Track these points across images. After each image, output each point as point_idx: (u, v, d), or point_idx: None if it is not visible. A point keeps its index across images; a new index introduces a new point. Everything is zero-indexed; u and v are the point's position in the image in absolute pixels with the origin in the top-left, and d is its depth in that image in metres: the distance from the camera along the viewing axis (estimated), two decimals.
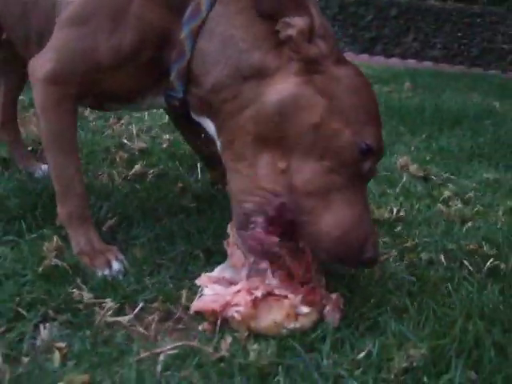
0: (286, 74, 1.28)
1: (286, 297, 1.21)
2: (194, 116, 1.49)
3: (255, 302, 1.19)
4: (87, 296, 1.32)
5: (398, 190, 2.28)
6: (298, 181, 1.24)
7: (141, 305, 1.31)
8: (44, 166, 2.18)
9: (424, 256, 1.66)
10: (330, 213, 1.24)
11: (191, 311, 1.26)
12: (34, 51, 1.58)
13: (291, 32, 1.27)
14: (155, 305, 1.32)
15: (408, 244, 1.72)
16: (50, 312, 1.28)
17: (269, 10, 1.30)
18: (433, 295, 1.43)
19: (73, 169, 1.53)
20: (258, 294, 1.19)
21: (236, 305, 1.19)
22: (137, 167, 2.21)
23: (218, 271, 1.34)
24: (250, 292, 1.20)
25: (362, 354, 1.14)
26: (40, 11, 1.62)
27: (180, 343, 1.16)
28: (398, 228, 1.86)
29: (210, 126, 1.44)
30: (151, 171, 2.19)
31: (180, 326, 1.27)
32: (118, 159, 2.34)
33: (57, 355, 1.12)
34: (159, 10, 1.40)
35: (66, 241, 1.53)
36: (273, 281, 1.25)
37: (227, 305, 1.20)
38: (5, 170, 2.15)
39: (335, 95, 1.27)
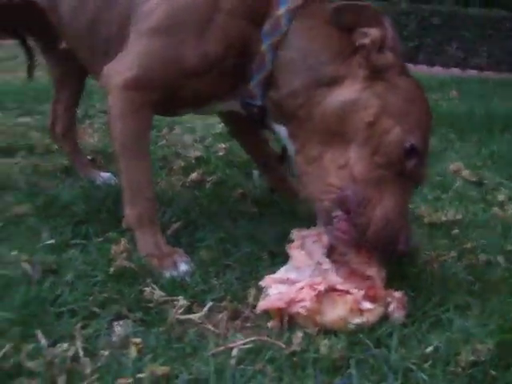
0: (352, 80, 1.41)
1: (348, 292, 1.24)
2: (270, 122, 1.58)
3: (319, 297, 1.21)
4: (158, 295, 1.36)
5: (451, 194, 2.27)
6: (355, 173, 1.36)
7: (209, 304, 1.34)
8: (104, 174, 2.25)
9: (482, 257, 1.66)
10: (379, 204, 1.35)
11: (257, 311, 1.29)
12: (100, 60, 1.64)
13: (366, 41, 1.39)
14: (223, 304, 1.35)
15: (466, 246, 1.72)
16: (123, 310, 1.32)
17: (347, 22, 1.41)
18: (494, 294, 1.44)
19: (145, 172, 1.58)
20: (321, 288, 1.22)
21: (301, 301, 1.22)
22: (194, 175, 2.25)
23: (281, 273, 1.37)
24: (313, 287, 1.23)
25: (430, 349, 1.16)
26: (112, 20, 1.68)
27: (252, 338, 1.19)
28: (455, 231, 1.86)
29: (283, 132, 1.55)
30: (209, 178, 2.23)
31: (249, 324, 1.30)
32: (175, 167, 2.38)
33: (133, 350, 1.16)
34: (241, 21, 1.51)
35: (132, 244, 1.57)
36: (335, 278, 1.28)
37: (292, 301, 1.23)
38: (68, 178, 2.22)
39: (391, 100, 1.39)
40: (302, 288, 1.26)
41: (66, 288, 1.41)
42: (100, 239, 1.67)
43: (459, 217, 1.96)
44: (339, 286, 1.25)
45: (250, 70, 1.52)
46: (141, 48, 1.53)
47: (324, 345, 1.14)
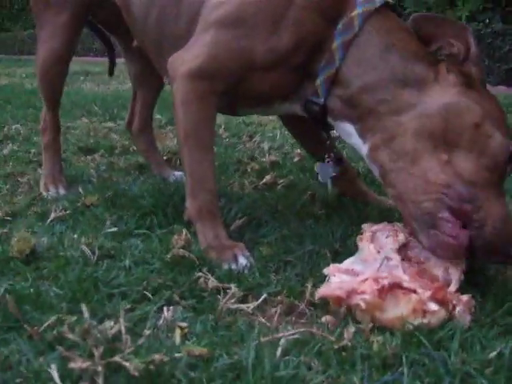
0: (445, 85, 1.38)
1: (414, 291, 1.14)
2: (331, 121, 1.53)
3: (382, 292, 1.12)
4: (212, 283, 1.31)
5: None
6: (463, 170, 1.29)
7: (264, 296, 1.28)
8: (177, 173, 2.25)
9: None
10: (492, 205, 1.28)
11: (316, 297, 1.21)
12: (168, 55, 1.62)
13: (455, 50, 1.38)
14: (279, 298, 1.28)
15: None
16: (175, 296, 1.28)
17: (429, 33, 1.42)
18: None
19: (208, 164, 1.55)
20: (385, 282, 1.13)
21: (362, 292, 1.13)
22: (267, 177, 2.21)
23: (347, 263, 1.29)
24: (376, 281, 1.14)
25: (493, 354, 1.04)
26: (181, 15, 1.67)
27: (302, 329, 1.11)
28: None
29: (348, 129, 1.49)
30: (281, 181, 2.18)
31: (303, 320, 1.22)
32: (249, 170, 2.36)
33: (178, 332, 1.11)
34: (315, 17, 1.47)
35: (194, 236, 1.54)
36: (402, 275, 1.19)
37: (353, 292, 1.14)
38: (140, 175, 2.23)
39: (487, 106, 1.36)
40: (365, 280, 1.17)
41: (122, 272, 1.39)
42: (163, 231, 1.65)
43: None
44: (405, 284, 1.15)
45: (318, 68, 1.48)
46: (208, 38, 1.51)
47: (377, 341, 1.05)
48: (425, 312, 1.12)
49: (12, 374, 0.97)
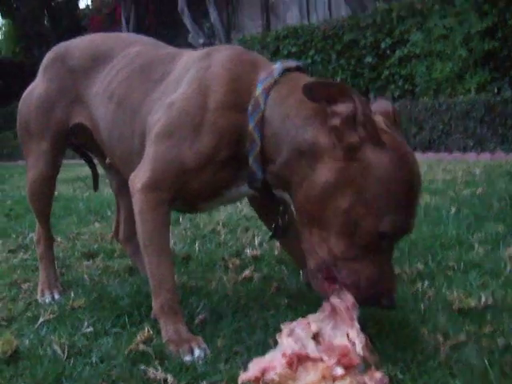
0: (331, 158, 1.50)
1: (321, 359, 1.30)
2: (275, 192, 1.74)
3: (291, 364, 1.29)
4: (160, 375, 1.48)
5: (503, 280, 2.15)
6: (335, 250, 1.51)
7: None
8: None
9: (501, 341, 1.59)
10: (361, 271, 1.51)
11: (239, 382, 1.36)
12: (130, 170, 1.88)
13: (336, 121, 1.48)
14: None
15: (485, 330, 1.67)
16: None
17: (318, 99, 1.50)
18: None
19: (165, 267, 1.75)
20: (292, 354, 1.29)
21: (273, 368, 1.29)
22: (246, 272, 2.39)
23: (267, 358, 1.42)
24: (284, 355, 1.30)
25: None
26: (136, 132, 1.94)
27: None
28: (487, 317, 1.78)
29: (287, 198, 1.70)
30: (256, 275, 2.36)
31: None
32: (230, 266, 2.54)
33: None
34: (229, 113, 1.70)
35: (157, 332, 1.73)
36: (310, 347, 1.35)
37: (266, 369, 1.30)
38: (130, 276, 2.44)
39: (364, 185, 1.45)
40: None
41: (87, 367, 1.58)
42: (133, 329, 1.83)
43: (490, 302, 1.88)
44: (312, 355, 1.31)
45: (247, 152, 1.68)
46: (151, 153, 1.76)
47: None
48: (334, 378, 1.27)
49: None
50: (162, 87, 1.89)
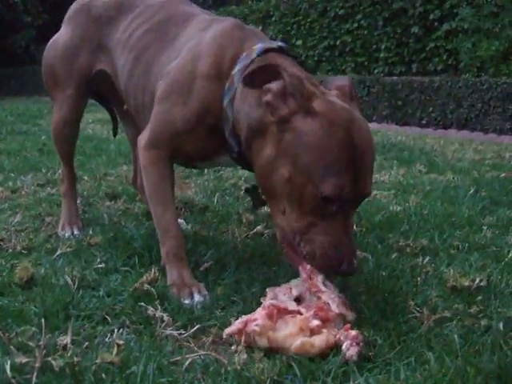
0: (271, 133, 1.62)
1: (299, 312, 1.43)
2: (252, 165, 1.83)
3: (271, 316, 1.41)
4: (159, 314, 1.60)
5: (503, 265, 2.19)
6: (290, 221, 1.60)
7: (197, 326, 1.55)
8: (180, 221, 2.55)
9: (483, 322, 1.63)
10: (315, 240, 1.57)
11: (224, 335, 1.48)
12: (145, 121, 2.03)
13: (268, 97, 1.58)
14: (212, 330, 1.56)
15: (471, 310, 1.73)
16: (127, 322, 1.58)
17: (257, 84, 1.60)
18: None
19: (169, 215, 1.89)
20: (271, 307, 1.42)
21: (255, 320, 1.41)
22: (258, 228, 2.49)
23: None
24: (264, 308, 1.43)
25: None
26: (148, 87, 2.06)
27: (202, 352, 1.40)
28: (478, 297, 1.83)
29: None
30: (267, 231, 2.46)
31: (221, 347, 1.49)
32: (244, 221, 2.64)
33: (115, 350, 1.39)
34: (212, 84, 1.81)
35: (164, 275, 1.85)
36: (289, 302, 1.49)
37: (248, 321, 1.42)
38: (146, 220, 2.56)
39: (299, 154, 1.54)
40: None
41: (94, 299, 1.72)
42: (142, 270, 1.95)
43: (484, 283, 1.93)
44: (290, 308, 1.43)
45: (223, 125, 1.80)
46: (152, 115, 1.91)
47: (258, 368, 1.31)
48: (312, 331, 1.39)
49: None
50: (169, 50, 2.00)
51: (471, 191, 3.39)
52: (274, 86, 1.56)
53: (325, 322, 1.43)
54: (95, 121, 8.01)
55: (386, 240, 2.40)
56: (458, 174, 4.10)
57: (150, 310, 1.61)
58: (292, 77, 1.55)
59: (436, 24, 9.49)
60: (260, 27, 12.82)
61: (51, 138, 2.61)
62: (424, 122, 8.51)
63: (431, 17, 9.52)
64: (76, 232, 2.43)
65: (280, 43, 1.84)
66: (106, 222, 2.58)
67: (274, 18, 12.70)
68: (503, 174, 4.08)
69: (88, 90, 2.47)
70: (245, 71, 1.71)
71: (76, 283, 1.80)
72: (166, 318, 1.57)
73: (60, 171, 3.64)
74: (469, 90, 8.03)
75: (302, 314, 1.45)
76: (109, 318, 1.60)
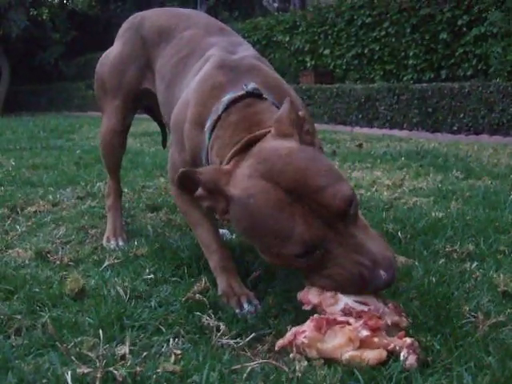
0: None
1: (348, 322, 1.40)
2: None
3: (319, 327, 1.39)
4: (213, 323, 1.60)
5: None
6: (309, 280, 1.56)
7: (252, 335, 1.55)
8: (221, 230, 2.56)
9: None
10: (333, 273, 1.47)
11: (276, 348, 1.46)
12: None
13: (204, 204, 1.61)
14: (267, 338, 1.56)
15: None
16: (182, 331, 1.58)
17: (189, 190, 1.61)
18: None
19: (205, 233, 1.95)
20: (319, 318, 1.40)
21: (303, 332, 1.40)
22: None
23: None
24: (312, 320, 1.42)
25: None
26: (171, 104, 2.14)
27: (262, 361, 1.40)
28: None
29: None
30: None
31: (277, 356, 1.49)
32: None
33: (172, 358, 1.40)
34: (199, 133, 1.78)
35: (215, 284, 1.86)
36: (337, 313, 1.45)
37: (297, 333, 1.41)
38: (190, 231, 2.58)
39: (252, 237, 1.54)
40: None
41: (146, 310, 1.73)
42: (192, 279, 1.96)
43: None
44: (339, 318, 1.41)
45: None
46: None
47: (319, 374, 1.30)
48: (361, 342, 1.37)
49: (39, 377, 1.30)
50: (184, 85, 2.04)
51: None
52: (200, 191, 1.57)
53: (375, 331, 1.40)
54: (131, 134, 8.07)
55: (431, 246, 2.38)
56: (495, 179, 4.05)
57: (205, 319, 1.62)
58: (210, 175, 1.54)
59: (464, 29, 9.41)
60: (287, 38, 12.86)
61: (99, 149, 2.66)
62: (455, 128, 8.42)
63: (459, 22, 9.43)
64: (121, 243, 2.45)
65: (251, 86, 1.73)
66: (151, 234, 2.61)
67: (300, 29, 12.71)
68: None
69: (136, 103, 2.55)
70: (214, 128, 1.71)
71: (128, 294, 1.81)
72: (222, 326, 1.57)
73: (99, 184, 3.72)
74: (500, 94, 7.93)
75: (351, 325, 1.41)
76: (163, 328, 1.61)
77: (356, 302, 1.46)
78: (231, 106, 1.71)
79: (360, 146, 6.48)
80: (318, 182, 1.42)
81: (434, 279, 1.96)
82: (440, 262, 2.17)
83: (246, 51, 2.00)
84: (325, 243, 1.41)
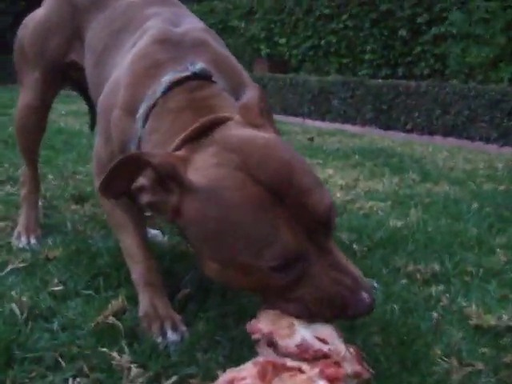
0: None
1: (300, 370, 1.06)
2: None
3: (264, 375, 1.05)
4: (125, 359, 1.27)
5: None
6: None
7: (174, 378, 1.23)
8: (153, 231, 2.22)
9: None
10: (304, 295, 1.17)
11: None
12: None
13: (145, 199, 1.25)
14: (193, 381, 1.24)
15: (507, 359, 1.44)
16: (85, 368, 1.25)
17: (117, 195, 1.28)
18: None
19: (129, 240, 1.61)
20: (264, 362, 1.06)
21: (242, 379, 1.05)
22: None
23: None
24: (256, 364, 1.07)
25: None
26: (101, 84, 1.77)
27: None
28: (506, 339, 1.56)
29: None
30: None
31: None
32: None
33: None
34: (129, 122, 1.46)
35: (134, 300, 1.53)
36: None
37: (235, 379, 1.06)
38: None
39: (211, 245, 1.19)
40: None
41: (46, 335, 1.38)
42: (109, 293, 1.63)
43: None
44: (289, 364, 1.07)
45: None
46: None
47: None
48: None
49: None
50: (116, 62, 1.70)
51: (474, 206, 3.11)
52: (143, 180, 1.21)
53: (333, 382, 1.07)
54: (69, 113, 7.61)
55: (391, 262, 2.09)
56: (454, 185, 3.83)
57: (116, 356, 1.28)
58: (161, 162, 1.18)
59: (424, 28, 9.26)
60: (243, 24, 12.52)
61: (14, 128, 2.26)
62: (409, 127, 8.25)
63: (419, 20, 9.28)
64: (33, 241, 2.09)
65: (198, 66, 1.43)
66: (69, 231, 2.23)
67: (257, 15, 12.36)
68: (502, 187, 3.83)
69: (58, 77, 2.15)
70: (149, 115, 1.39)
71: (25, 313, 1.46)
72: (134, 369, 1.23)
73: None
74: (456, 96, 7.79)
75: (304, 373, 1.08)
76: (62, 362, 1.27)
77: (315, 337, 1.14)
78: (172, 88, 1.39)
79: (311, 139, 6.19)
80: (305, 183, 1.17)
81: (396, 307, 1.67)
82: (402, 283, 1.89)
83: (193, 23, 1.66)
84: (305, 256, 1.14)
